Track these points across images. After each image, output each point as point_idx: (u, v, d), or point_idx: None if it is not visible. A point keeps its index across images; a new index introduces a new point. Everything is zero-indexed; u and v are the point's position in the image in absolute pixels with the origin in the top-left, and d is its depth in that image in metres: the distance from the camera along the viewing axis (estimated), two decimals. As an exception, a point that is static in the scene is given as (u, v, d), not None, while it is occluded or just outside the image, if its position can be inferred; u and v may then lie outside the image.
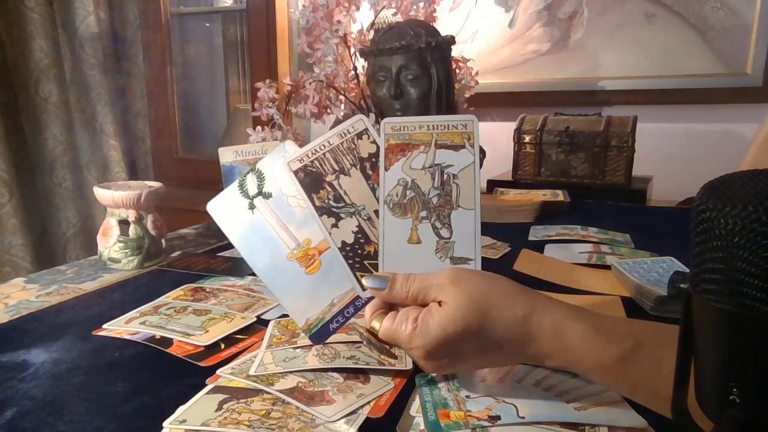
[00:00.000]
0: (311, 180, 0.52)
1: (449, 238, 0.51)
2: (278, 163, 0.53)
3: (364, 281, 0.49)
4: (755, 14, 1.37)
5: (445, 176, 0.52)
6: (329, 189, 0.52)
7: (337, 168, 0.53)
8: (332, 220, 0.52)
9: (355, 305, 0.52)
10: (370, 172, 0.53)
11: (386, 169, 0.52)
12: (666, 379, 0.37)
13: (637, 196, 1.33)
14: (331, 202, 0.52)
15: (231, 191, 0.54)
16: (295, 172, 0.52)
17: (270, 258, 0.52)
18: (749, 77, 1.40)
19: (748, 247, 0.28)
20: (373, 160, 0.53)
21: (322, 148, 0.53)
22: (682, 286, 0.33)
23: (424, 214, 0.51)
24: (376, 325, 0.47)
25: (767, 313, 0.28)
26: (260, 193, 0.54)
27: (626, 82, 1.53)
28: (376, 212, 0.52)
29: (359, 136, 0.54)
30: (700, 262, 0.31)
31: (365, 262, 0.51)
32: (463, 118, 0.53)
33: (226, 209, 0.54)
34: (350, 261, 0.51)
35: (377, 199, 0.52)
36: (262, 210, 0.54)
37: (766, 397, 0.29)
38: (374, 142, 0.53)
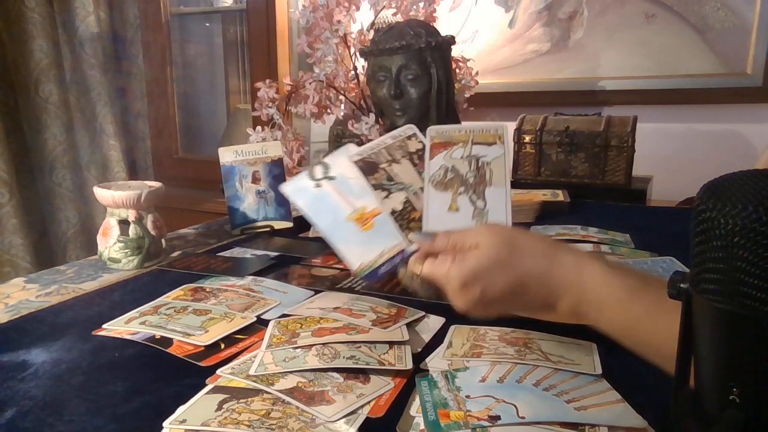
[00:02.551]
0: (368, 167, 0.64)
1: (483, 207, 0.60)
2: (342, 157, 0.65)
3: (411, 236, 0.58)
4: (755, 14, 1.37)
5: (480, 163, 0.63)
6: (383, 172, 0.64)
7: (389, 158, 0.65)
8: (385, 194, 0.63)
9: (402, 256, 0.60)
10: (417, 162, 0.65)
11: (430, 159, 0.63)
12: (664, 326, 0.42)
13: (637, 196, 1.33)
14: (384, 181, 0.63)
15: (300, 176, 0.65)
16: (356, 162, 0.64)
17: (331, 219, 0.62)
18: (749, 77, 1.40)
19: (748, 247, 0.28)
20: (420, 153, 0.65)
21: (378, 145, 0.65)
22: (682, 286, 0.33)
23: (462, 189, 0.61)
24: (419, 268, 0.53)
25: (767, 313, 0.28)
26: (325, 177, 0.65)
27: (626, 82, 1.53)
28: (422, 189, 0.63)
29: (408, 138, 0.67)
30: (700, 262, 0.31)
31: (411, 225, 0.62)
32: (496, 124, 0.66)
33: (295, 187, 0.65)
34: (399, 223, 0.61)
35: (423, 180, 0.63)
36: (327, 187, 0.64)
37: (766, 397, 0.29)
38: (421, 141, 0.66)
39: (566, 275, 0.48)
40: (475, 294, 0.50)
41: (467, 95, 1.43)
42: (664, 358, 0.44)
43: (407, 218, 0.61)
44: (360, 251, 0.60)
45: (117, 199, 0.82)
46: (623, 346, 0.49)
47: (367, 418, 0.45)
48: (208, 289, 0.74)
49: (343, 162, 0.64)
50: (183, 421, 0.44)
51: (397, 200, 0.62)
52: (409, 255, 0.56)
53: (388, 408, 0.46)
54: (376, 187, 0.62)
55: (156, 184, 0.88)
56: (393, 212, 0.62)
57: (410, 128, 0.66)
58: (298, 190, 0.64)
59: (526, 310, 0.54)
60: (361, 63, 1.31)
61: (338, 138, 1.22)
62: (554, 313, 0.52)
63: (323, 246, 0.96)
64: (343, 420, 0.44)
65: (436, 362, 0.54)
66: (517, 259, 0.49)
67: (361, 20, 1.33)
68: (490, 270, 0.49)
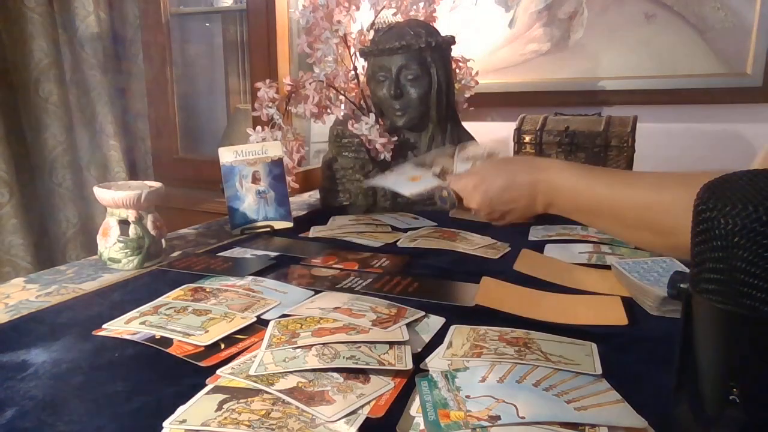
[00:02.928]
0: (420, 160, 1.03)
1: None
2: (407, 164, 1.06)
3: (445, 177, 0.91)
4: (755, 14, 1.37)
5: (492, 151, 0.95)
6: (429, 161, 0.99)
7: (434, 156, 1.01)
8: (429, 167, 0.97)
9: (439, 188, 0.93)
10: (452, 156, 0.97)
11: (459, 153, 0.96)
12: (603, 192, 0.65)
13: (637, 196, 1.33)
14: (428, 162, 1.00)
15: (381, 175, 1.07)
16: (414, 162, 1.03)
17: (394, 180, 0.99)
18: (749, 77, 1.40)
19: (748, 247, 0.28)
20: (454, 152, 0.98)
21: (430, 154, 1.06)
22: (682, 286, 0.33)
23: (479, 161, 0.90)
24: (448, 188, 0.85)
25: (767, 313, 0.28)
26: (394, 172, 1.04)
27: (626, 82, 1.53)
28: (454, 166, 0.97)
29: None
30: (700, 262, 0.31)
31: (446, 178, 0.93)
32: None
33: (378, 177, 1.07)
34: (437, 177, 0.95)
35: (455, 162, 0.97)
36: (394, 171, 1.03)
37: (766, 397, 0.29)
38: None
39: (540, 174, 0.71)
40: (480, 192, 0.75)
41: (467, 95, 1.43)
42: (610, 223, 0.67)
43: (443, 176, 0.93)
44: (410, 188, 0.95)
45: (117, 199, 0.82)
46: (585, 223, 0.73)
47: (367, 418, 0.45)
48: (208, 289, 0.74)
49: (407, 165, 1.04)
50: (183, 421, 0.44)
51: (437, 169, 0.95)
52: (444, 186, 0.89)
53: (388, 408, 0.46)
54: (424, 166, 0.98)
55: (156, 184, 0.88)
56: (433, 174, 0.94)
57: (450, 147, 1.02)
58: (379, 177, 1.06)
59: (519, 211, 0.76)
60: (361, 63, 1.31)
61: (338, 138, 1.21)
62: (536, 208, 0.74)
63: (323, 246, 0.96)
64: (343, 420, 0.44)
65: (436, 362, 0.54)
66: (507, 168, 0.75)
67: (361, 20, 1.33)
68: (489, 175, 0.75)
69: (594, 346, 0.57)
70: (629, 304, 0.69)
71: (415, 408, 0.46)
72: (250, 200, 1.06)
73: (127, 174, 1.82)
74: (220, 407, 0.45)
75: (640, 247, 0.83)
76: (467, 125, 1.34)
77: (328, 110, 1.29)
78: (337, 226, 1.09)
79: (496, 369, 0.51)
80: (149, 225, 0.86)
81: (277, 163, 1.08)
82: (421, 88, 1.20)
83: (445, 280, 0.78)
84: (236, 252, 0.93)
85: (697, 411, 0.33)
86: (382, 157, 1.22)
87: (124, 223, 0.84)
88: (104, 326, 0.63)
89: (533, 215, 0.77)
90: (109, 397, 0.48)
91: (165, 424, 0.43)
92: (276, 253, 0.92)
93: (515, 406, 0.45)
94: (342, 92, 1.31)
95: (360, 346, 0.55)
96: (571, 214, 0.71)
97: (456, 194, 0.83)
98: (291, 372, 0.51)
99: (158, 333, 0.60)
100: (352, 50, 1.28)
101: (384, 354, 0.54)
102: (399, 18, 1.34)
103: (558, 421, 0.43)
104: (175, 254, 0.93)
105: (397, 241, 0.99)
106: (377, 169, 1.21)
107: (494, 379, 0.50)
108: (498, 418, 0.44)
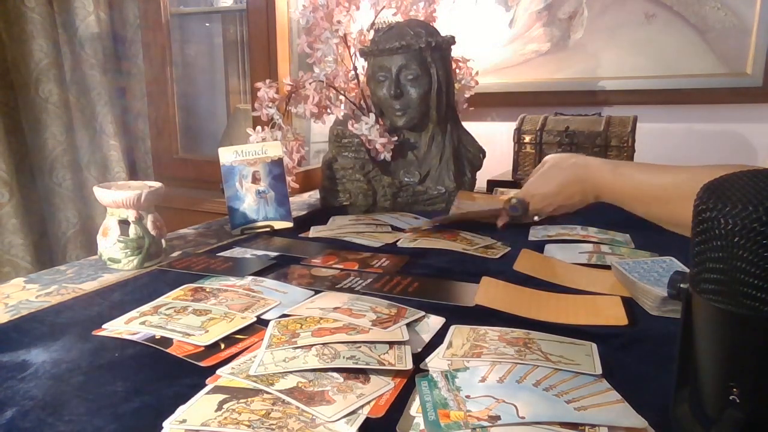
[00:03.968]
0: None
1: None
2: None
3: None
4: (755, 14, 1.37)
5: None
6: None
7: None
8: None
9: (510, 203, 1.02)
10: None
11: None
12: (635, 181, 0.83)
13: (637, 196, 1.33)
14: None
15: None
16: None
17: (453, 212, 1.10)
18: (749, 77, 1.40)
19: (748, 247, 0.28)
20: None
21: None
22: (682, 286, 0.33)
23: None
24: (515, 198, 1.00)
25: (767, 313, 0.28)
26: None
27: (626, 82, 1.53)
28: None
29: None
30: (700, 262, 0.31)
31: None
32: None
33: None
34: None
35: None
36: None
37: (766, 397, 0.29)
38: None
39: (582, 174, 0.89)
40: (541, 195, 0.96)
41: (467, 95, 1.43)
42: (641, 207, 0.83)
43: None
44: (476, 207, 1.09)
45: (117, 199, 0.82)
46: (631, 210, 0.86)
47: (367, 418, 0.45)
48: (208, 289, 0.73)
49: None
50: (183, 421, 0.44)
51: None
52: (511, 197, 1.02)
53: (388, 408, 0.46)
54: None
55: (156, 184, 0.88)
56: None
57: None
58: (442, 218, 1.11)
59: (577, 204, 0.93)
60: (361, 63, 1.31)
61: (338, 138, 1.21)
62: (589, 199, 0.91)
63: (323, 246, 0.96)
64: (343, 420, 0.44)
65: (436, 362, 0.54)
66: (559, 174, 0.93)
67: (361, 20, 1.33)
68: (546, 180, 0.95)
69: (594, 346, 0.57)
70: (629, 304, 0.69)
71: (415, 408, 0.46)
72: (250, 200, 1.06)
73: (127, 174, 1.82)
74: (220, 407, 0.45)
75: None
76: (467, 125, 1.34)
77: (328, 110, 1.29)
78: (337, 226, 1.09)
79: (496, 369, 0.51)
80: (149, 225, 0.86)
81: (277, 163, 1.08)
82: (421, 88, 1.20)
83: (445, 280, 0.78)
84: (236, 252, 0.93)
85: (697, 411, 0.33)
86: (382, 157, 1.22)
87: (124, 223, 0.84)
88: (104, 326, 0.63)
89: (589, 203, 0.93)
90: (109, 397, 0.48)
91: (165, 424, 0.43)
92: (276, 253, 0.92)
93: (515, 406, 0.45)
94: (342, 92, 1.31)
95: (360, 346, 0.55)
96: (616, 203, 0.87)
97: (523, 200, 0.99)
98: (291, 372, 0.51)
99: (158, 333, 0.60)
100: (352, 50, 1.28)
101: (384, 354, 0.54)
102: (399, 18, 1.34)
103: (558, 421, 0.43)
104: (175, 254, 0.93)
105: (397, 241, 0.99)
106: (377, 169, 1.21)
107: (494, 379, 0.50)
108: (498, 418, 0.44)
